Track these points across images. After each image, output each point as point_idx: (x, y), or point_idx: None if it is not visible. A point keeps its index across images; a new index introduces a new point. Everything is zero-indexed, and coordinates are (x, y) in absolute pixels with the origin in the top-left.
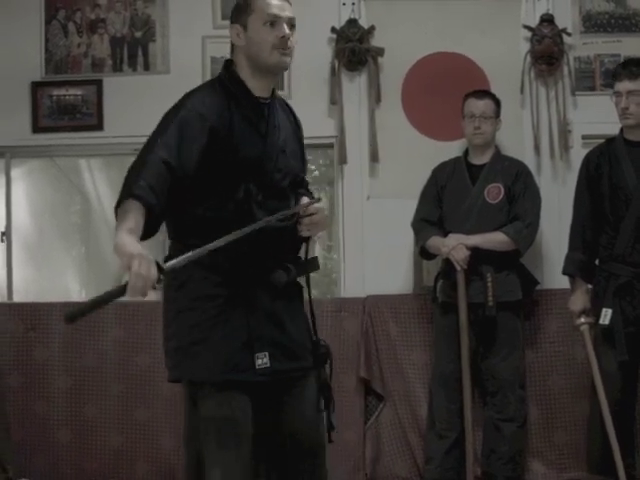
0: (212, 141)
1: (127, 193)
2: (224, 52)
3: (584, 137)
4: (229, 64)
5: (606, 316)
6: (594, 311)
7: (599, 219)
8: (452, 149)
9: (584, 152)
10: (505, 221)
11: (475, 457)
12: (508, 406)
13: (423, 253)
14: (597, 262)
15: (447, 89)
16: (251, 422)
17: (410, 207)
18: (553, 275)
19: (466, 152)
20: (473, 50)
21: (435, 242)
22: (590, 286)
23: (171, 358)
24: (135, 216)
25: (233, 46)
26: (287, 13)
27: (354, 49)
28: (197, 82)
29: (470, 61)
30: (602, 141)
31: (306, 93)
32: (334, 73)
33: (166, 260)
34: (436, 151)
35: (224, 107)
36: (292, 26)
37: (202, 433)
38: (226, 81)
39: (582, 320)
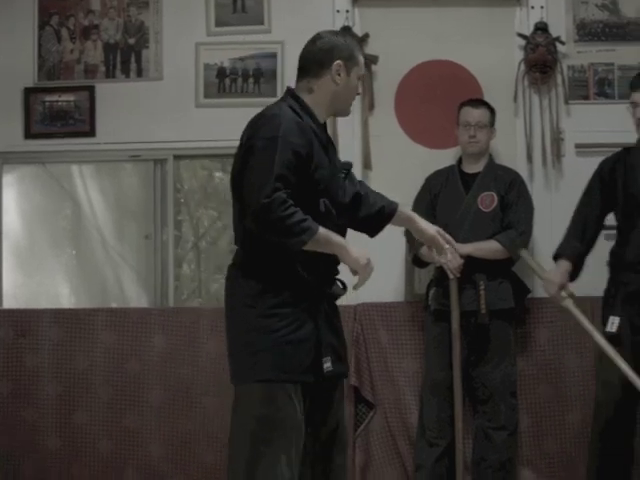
0: (304, 163)
1: (310, 234)
2: (217, 59)
3: (577, 146)
4: (293, 92)
5: (613, 324)
6: (603, 319)
7: (602, 222)
8: (445, 157)
9: (577, 161)
10: (498, 229)
11: (465, 465)
12: (499, 414)
13: (416, 261)
14: (608, 270)
15: (441, 97)
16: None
17: None
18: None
19: (459, 160)
20: (467, 58)
21: (428, 250)
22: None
23: (245, 360)
24: (326, 232)
25: (308, 75)
26: None
27: None
28: (190, 89)
29: (464, 69)
30: (602, 150)
31: None
32: None
33: (234, 267)
34: (429, 159)
35: (309, 130)
36: None
37: (266, 430)
38: (297, 108)
39: (563, 294)
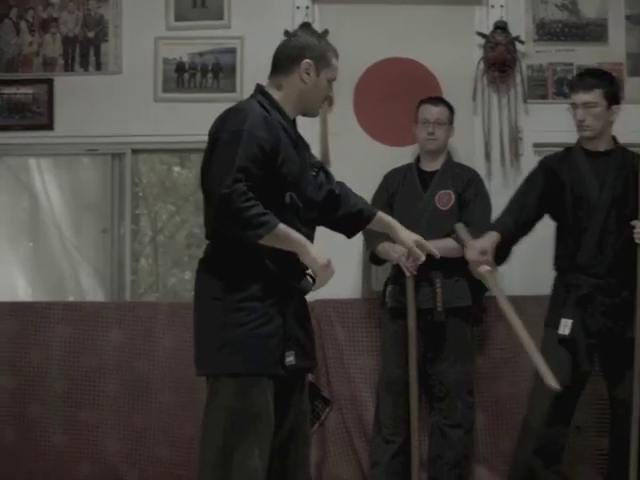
0: (270, 157)
1: (267, 228)
2: (177, 54)
3: (535, 145)
4: (262, 88)
5: (566, 326)
6: (552, 321)
7: (539, 212)
8: (404, 155)
9: (535, 160)
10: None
11: (421, 462)
12: (455, 412)
13: (373, 258)
14: (556, 272)
15: (399, 95)
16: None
17: None
18: (502, 281)
19: (418, 158)
20: (426, 56)
21: (385, 248)
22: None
23: (214, 353)
24: (287, 229)
25: (278, 72)
26: None
27: None
28: (149, 83)
29: (423, 67)
30: (560, 149)
31: None
32: None
33: (204, 261)
34: (388, 157)
35: (276, 125)
36: None
37: (239, 423)
38: (266, 104)
39: (482, 260)
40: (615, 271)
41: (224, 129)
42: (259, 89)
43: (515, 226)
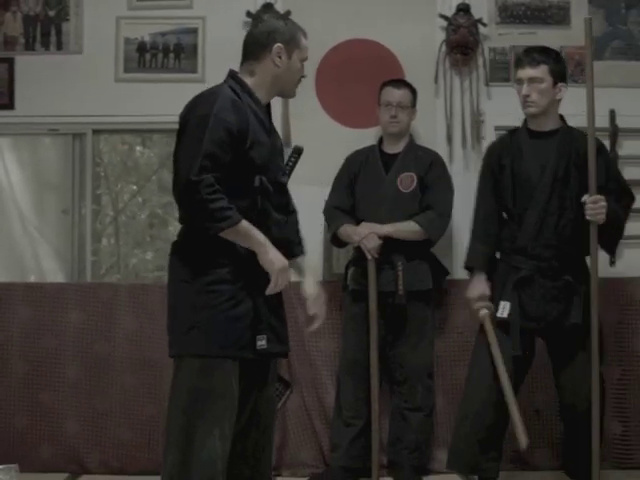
0: (238, 140)
1: (229, 223)
2: (138, 33)
3: (497, 128)
4: (234, 74)
5: (504, 309)
6: (493, 303)
7: (501, 212)
8: (366, 137)
9: None
10: (417, 210)
11: (381, 446)
12: (415, 395)
13: (334, 241)
14: (498, 254)
15: (361, 76)
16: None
17: (322, 194)
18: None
19: (380, 141)
20: (388, 38)
21: (347, 230)
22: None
23: (182, 335)
24: (250, 227)
25: (250, 58)
26: None
27: None
28: (110, 63)
29: (385, 49)
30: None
31: (220, 77)
32: None
33: (176, 244)
34: (349, 139)
35: (245, 109)
36: None
37: (200, 403)
38: (237, 89)
39: (481, 305)
40: (558, 254)
41: (193, 114)
42: (231, 74)
43: (489, 249)
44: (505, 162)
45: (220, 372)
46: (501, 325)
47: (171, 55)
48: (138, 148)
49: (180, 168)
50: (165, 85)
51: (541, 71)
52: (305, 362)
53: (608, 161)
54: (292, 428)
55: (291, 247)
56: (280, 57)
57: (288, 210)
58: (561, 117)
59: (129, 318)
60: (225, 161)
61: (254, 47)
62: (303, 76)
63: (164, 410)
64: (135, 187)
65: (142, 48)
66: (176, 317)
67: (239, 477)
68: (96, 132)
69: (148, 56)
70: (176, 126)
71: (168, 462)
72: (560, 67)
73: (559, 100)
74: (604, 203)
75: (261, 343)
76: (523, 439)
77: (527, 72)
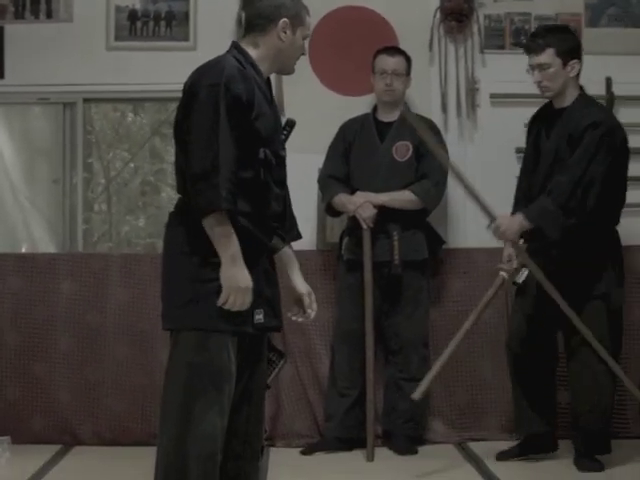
0: (246, 109)
1: (216, 205)
2: (129, 1)
3: (492, 96)
4: (238, 45)
5: (522, 275)
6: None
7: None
8: (360, 105)
9: (492, 111)
10: (413, 179)
11: (376, 415)
12: (410, 365)
13: (329, 210)
14: None
15: (355, 44)
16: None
17: (316, 163)
18: (459, 234)
19: (375, 109)
20: (382, 4)
21: (342, 199)
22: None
23: (180, 308)
24: (234, 234)
25: (255, 31)
26: None
27: None
28: (101, 32)
29: (379, 16)
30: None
31: (212, 45)
32: (240, 25)
33: (174, 215)
34: (344, 106)
35: (251, 79)
36: None
37: (198, 378)
38: (241, 59)
39: (502, 267)
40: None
41: (201, 84)
42: (235, 45)
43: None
44: (532, 133)
45: (219, 346)
46: (517, 290)
47: (162, 23)
48: (130, 115)
49: (195, 152)
50: (156, 53)
51: (547, 56)
52: (299, 332)
53: (593, 141)
54: (286, 399)
55: (290, 227)
56: (285, 32)
57: (285, 185)
58: (581, 88)
59: (121, 289)
60: (236, 136)
61: (260, 20)
62: (303, 53)
63: (157, 381)
64: (127, 154)
65: (133, 16)
66: (173, 289)
67: (230, 452)
68: (87, 101)
69: (139, 24)
70: (168, 94)
71: (164, 437)
72: (568, 44)
73: (575, 76)
74: (503, 229)
75: (258, 317)
76: None
77: (534, 59)
